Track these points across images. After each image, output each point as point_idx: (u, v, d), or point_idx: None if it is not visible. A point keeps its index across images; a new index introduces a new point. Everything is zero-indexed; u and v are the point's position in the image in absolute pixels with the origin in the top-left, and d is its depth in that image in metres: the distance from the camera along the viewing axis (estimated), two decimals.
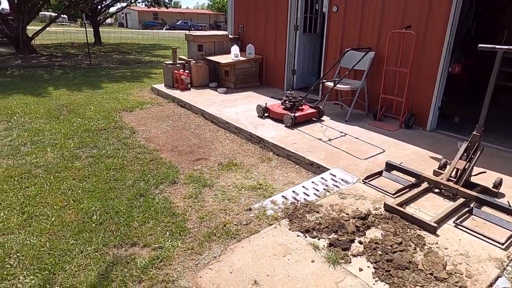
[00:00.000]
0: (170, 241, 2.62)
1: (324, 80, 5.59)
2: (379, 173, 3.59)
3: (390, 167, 3.63)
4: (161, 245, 2.58)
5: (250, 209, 3.06)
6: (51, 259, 2.38)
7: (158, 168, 3.87)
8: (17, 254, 2.43)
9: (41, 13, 23.19)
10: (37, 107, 6.25)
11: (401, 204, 2.95)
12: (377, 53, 5.55)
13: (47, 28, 15.98)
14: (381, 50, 5.50)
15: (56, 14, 17.84)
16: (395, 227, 2.70)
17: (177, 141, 4.78)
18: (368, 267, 2.31)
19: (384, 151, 4.24)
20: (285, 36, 7.28)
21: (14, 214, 2.91)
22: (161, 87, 7.77)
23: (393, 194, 3.19)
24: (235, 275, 2.28)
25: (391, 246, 2.47)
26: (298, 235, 2.65)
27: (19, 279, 2.21)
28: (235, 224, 2.84)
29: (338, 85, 5.41)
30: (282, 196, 3.25)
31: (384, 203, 2.98)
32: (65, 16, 42.47)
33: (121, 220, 2.86)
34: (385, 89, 5.43)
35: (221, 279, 2.25)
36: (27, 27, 14.15)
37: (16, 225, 2.76)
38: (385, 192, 3.25)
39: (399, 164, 3.61)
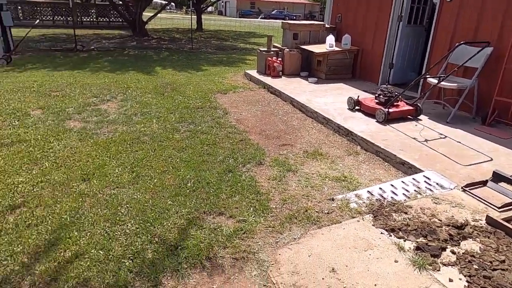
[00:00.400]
0: (254, 217, 2.76)
1: (427, 76, 5.14)
2: (483, 183, 3.21)
3: (498, 177, 3.22)
4: (245, 218, 2.74)
5: (332, 199, 3.04)
6: (153, 214, 2.73)
7: (246, 149, 4.07)
8: (127, 205, 2.84)
9: (154, 0, 25.78)
10: (146, 83, 7.06)
11: (508, 220, 2.61)
12: (496, 49, 4.87)
13: (158, 15, 17.73)
14: (502, 45, 4.81)
15: (167, 2, 19.63)
16: (497, 243, 2.41)
17: (265, 125, 4.94)
18: (460, 279, 2.12)
19: (491, 159, 3.76)
20: (386, 27, 6.85)
21: (126, 172, 3.39)
22: (253, 73, 8.05)
23: (499, 208, 2.83)
24: (313, 259, 2.31)
25: (491, 262, 2.22)
26: (382, 233, 2.55)
27: (127, 225, 2.59)
28: (317, 211, 2.86)
29: (443, 83, 4.92)
30: (368, 191, 3.15)
31: (487, 216, 2.67)
32: (173, 4, 46.50)
33: (211, 191, 3.11)
34: (502, 90, 4.76)
35: (299, 260, 2.30)
36: (143, 13, 15.90)
37: (127, 181, 3.21)
38: (488, 204, 2.90)
39: (511, 176, 3.17)
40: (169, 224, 2.63)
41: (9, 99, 5.51)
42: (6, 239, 2.37)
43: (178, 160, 3.69)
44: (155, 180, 3.25)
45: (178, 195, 3.01)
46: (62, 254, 2.27)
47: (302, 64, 7.91)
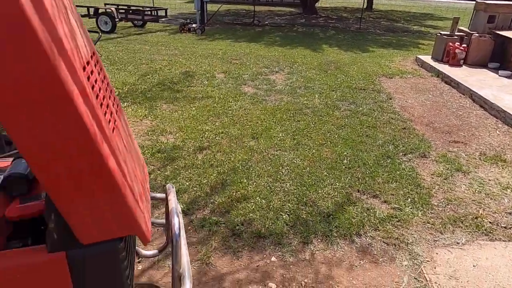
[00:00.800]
0: (411, 208, 2.61)
1: None
2: None
3: None
4: (400, 207, 2.62)
5: None
6: (309, 180, 2.91)
7: (409, 137, 3.79)
8: (287, 167, 3.11)
9: None
10: (311, 59, 7.28)
11: None
12: None
13: None
14: None
15: None
16: None
17: (434, 117, 4.45)
18: None
19: None
20: None
21: (288, 137, 3.68)
22: (426, 58, 7.23)
23: None
24: (478, 271, 2.05)
25: None
26: None
27: (286, 184, 2.85)
28: (490, 222, 2.48)
29: None
30: None
31: None
32: None
33: (367, 172, 3.08)
34: None
35: (460, 267, 2.08)
36: None
37: (288, 146, 3.49)
38: None
39: None
40: (323, 192, 2.76)
41: (201, 62, 6.64)
42: (196, 172, 2.98)
43: (336, 136, 3.76)
44: (313, 151, 3.42)
45: (333, 169, 3.10)
46: (234, 194, 2.70)
47: (493, 54, 6.62)
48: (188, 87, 5.18)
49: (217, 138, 3.61)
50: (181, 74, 5.78)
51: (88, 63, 1.12)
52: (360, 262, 2.14)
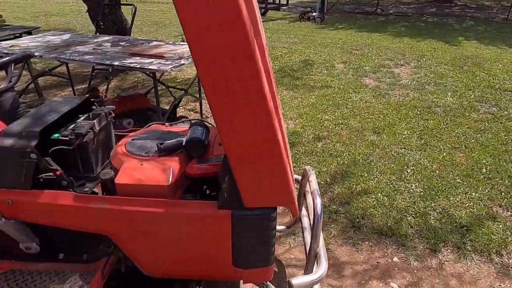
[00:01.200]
0: None
1: None
2: None
3: None
4: None
5: None
6: (438, 185, 2.66)
7: None
8: (413, 167, 2.90)
9: None
10: (443, 53, 6.52)
11: None
12: None
13: None
14: None
15: None
16: None
17: None
18: None
19: None
20: None
21: (414, 136, 3.41)
22: None
23: None
24: None
25: None
26: None
27: (411, 185, 2.67)
28: None
29: None
30: None
31: None
32: None
33: None
34: None
35: None
36: None
37: (414, 146, 3.24)
38: None
39: None
40: (455, 200, 2.50)
41: (320, 51, 6.58)
42: (315, 159, 3.01)
43: (473, 141, 3.33)
44: (444, 154, 3.10)
45: (468, 177, 2.77)
46: (354, 186, 2.66)
47: None
48: (307, 75, 5.22)
49: (336, 128, 3.57)
50: (300, 62, 5.85)
51: (266, 44, 1.23)
52: (500, 285, 1.89)
